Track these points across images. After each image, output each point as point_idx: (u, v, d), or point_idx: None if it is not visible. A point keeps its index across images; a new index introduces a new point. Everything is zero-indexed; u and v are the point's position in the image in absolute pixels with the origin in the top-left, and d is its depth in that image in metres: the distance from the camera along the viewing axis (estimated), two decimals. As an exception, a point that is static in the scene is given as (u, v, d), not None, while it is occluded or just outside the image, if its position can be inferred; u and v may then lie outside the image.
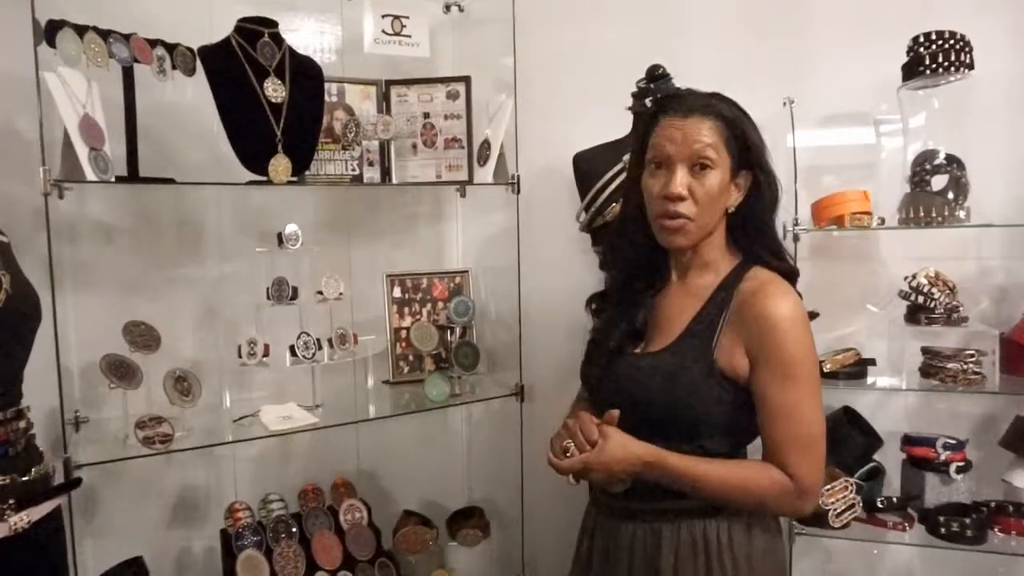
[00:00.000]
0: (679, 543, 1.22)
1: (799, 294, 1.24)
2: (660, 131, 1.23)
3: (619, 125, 1.91)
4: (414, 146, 2.15)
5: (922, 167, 1.90)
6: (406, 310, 2.26)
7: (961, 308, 1.88)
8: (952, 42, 1.80)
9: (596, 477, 1.20)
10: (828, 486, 1.81)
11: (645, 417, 1.22)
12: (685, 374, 1.20)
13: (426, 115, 2.15)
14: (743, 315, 1.20)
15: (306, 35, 2.14)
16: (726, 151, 1.21)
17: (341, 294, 2.01)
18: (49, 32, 1.59)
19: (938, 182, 1.88)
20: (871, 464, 1.96)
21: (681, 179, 1.20)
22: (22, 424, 1.38)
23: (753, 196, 1.26)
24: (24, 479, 1.34)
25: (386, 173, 2.14)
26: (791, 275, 1.27)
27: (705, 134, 1.19)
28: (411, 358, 2.25)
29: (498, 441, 2.37)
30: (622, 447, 1.18)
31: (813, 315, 1.87)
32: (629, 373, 1.26)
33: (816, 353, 1.21)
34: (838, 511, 1.82)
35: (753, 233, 1.27)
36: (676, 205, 1.20)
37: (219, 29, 1.82)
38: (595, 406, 1.37)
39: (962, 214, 1.84)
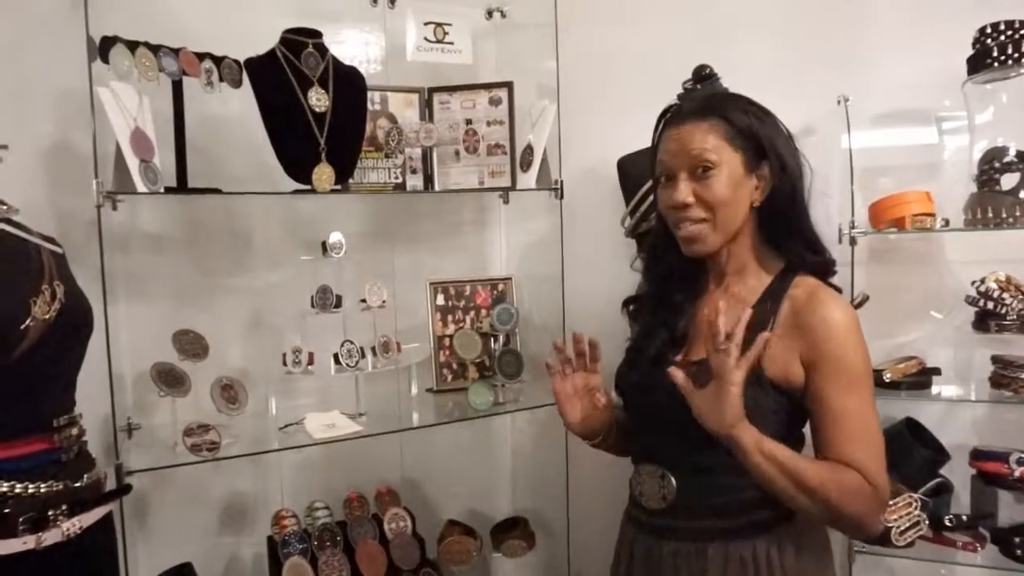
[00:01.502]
0: (727, 563, 1.17)
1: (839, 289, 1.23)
2: (661, 145, 1.24)
3: (665, 128, 1.87)
4: (456, 153, 2.14)
5: (990, 165, 1.80)
6: (449, 318, 2.25)
7: (1035, 314, 1.77)
8: (1022, 32, 1.70)
9: (700, 404, 1.11)
10: (891, 501, 1.72)
11: (690, 428, 1.16)
12: None
13: (468, 121, 2.14)
14: (798, 322, 1.16)
15: (350, 45, 2.15)
16: (732, 148, 1.18)
17: (384, 302, 2.01)
18: (103, 48, 1.64)
19: (1008, 180, 1.78)
20: (937, 480, 1.86)
21: (683, 188, 1.19)
22: (75, 431, 1.41)
23: (777, 186, 1.22)
24: (76, 485, 1.37)
25: (429, 180, 2.14)
26: (828, 268, 1.24)
27: (699, 138, 1.18)
28: (455, 366, 2.23)
29: (543, 450, 2.34)
30: (738, 401, 1.08)
31: (865, 298, 1.80)
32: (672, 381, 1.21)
33: (870, 359, 1.17)
34: (902, 529, 1.73)
35: (781, 225, 1.23)
36: (684, 212, 1.20)
37: (262, 42, 1.84)
38: (632, 414, 1.35)
39: (1034, 214, 1.74)
